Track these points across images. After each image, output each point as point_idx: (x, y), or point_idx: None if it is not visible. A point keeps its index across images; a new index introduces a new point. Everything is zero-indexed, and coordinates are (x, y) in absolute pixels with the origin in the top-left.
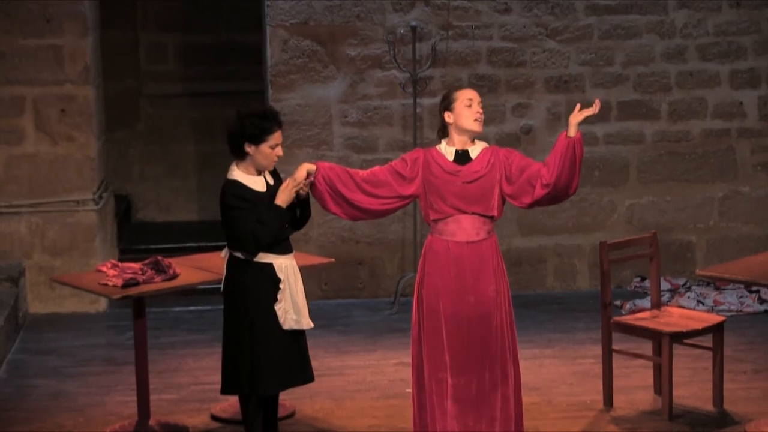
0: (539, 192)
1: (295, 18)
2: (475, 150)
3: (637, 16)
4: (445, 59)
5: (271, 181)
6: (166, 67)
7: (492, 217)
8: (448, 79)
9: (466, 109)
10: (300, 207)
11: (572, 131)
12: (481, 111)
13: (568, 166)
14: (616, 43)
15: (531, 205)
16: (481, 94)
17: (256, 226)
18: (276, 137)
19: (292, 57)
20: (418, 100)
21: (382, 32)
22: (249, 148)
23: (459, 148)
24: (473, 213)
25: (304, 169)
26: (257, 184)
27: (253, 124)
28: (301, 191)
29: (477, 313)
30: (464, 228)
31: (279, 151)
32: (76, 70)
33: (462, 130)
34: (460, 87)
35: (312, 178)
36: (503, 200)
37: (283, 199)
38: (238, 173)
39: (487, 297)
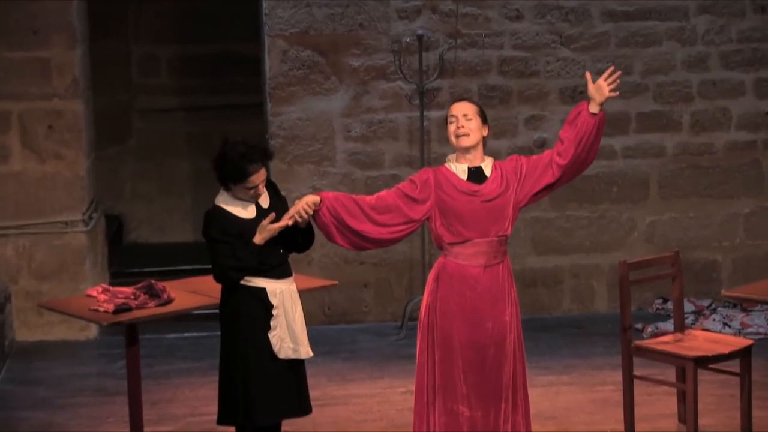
0: (550, 177)
1: (294, 27)
2: (488, 167)
3: (656, 22)
4: (453, 69)
5: (265, 203)
6: (160, 79)
7: (506, 237)
8: (457, 90)
9: (450, 126)
10: (302, 233)
11: (595, 107)
12: (463, 126)
13: (589, 146)
14: (635, 51)
15: (550, 186)
16: (491, 106)
17: (230, 262)
18: (254, 179)
19: (292, 68)
20: (425, 112)
21: (386, 41)
22: (230, 184)
23: (471, 165)
24: (493, 235)
25: (303, 203)
26: (245, 210)
27: (232, 164)
28: (299, 222)
29: (494, 340)
30: (483, 251)
31: (260, 190)
32: (65, 83)
33: (456, 147)
34: (456, 100)
35: (312, 210)
36: (515, 216)
37: (262, 237)
38: (223, 198)
39: (503, 322)
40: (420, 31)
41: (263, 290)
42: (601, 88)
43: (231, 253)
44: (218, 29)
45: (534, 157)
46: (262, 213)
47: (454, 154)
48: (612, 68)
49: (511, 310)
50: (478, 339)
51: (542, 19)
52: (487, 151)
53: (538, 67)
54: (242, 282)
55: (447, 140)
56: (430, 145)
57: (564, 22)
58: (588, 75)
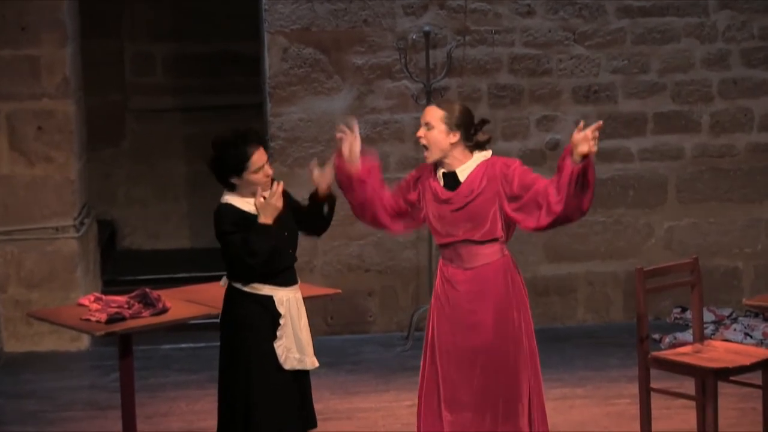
0: (544, 220)
1: (295, 24)
2: (466, 169)
3: (674, 18)
4: (461, 68)
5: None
6: (155, 79)
7: (495, 240)
8: (466, 89)
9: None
10: (319, 208)
11: (576, 157)
12: (422, 136)
13: (578, 194)
14: (652, 48)
15: (535, 230)
16: (502, 106)
17: (245, 245)
18: (256, 160)
19: (293, 66)
20: None
21: (391, 38)
22: (234, 180)
23: (446, 170)
24: (466, 240)
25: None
26: (252, 207)
27: (227, 155)
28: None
29: (478, 345)
30: (460, 254)
31: (267, 170)
32: (55, 82)
33: None
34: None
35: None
36: (503, 217)
37: (268, 214)
38: (230, 197)
39: (485, 328)
40: (427, 28)
41: (270, 298)
42: (583, 141)
43: (245, 241)
44: (216, 26)
45: (531, 176)
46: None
47: None
48: (601, 123)
49: (505, 315)
50: (455, 341)
51: (555, 15)
52: (497, 153)
53: (551, 66)
54: (248, 289)
55: None
56: None
57: (578, 18)
58: (581, 124)
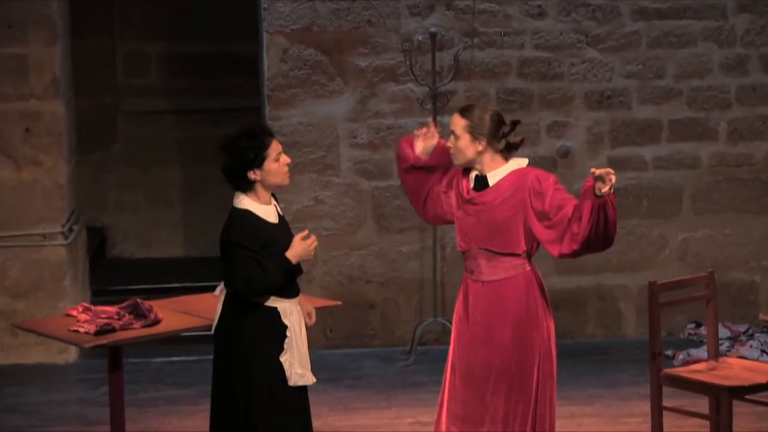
0: (567, 248)
1: (296, 23)
2: (497, 175)
3: (691, 21)
4: (469, 71)
5: (280, 211)
6: (148, 80)
7: (516, 254)
8: (473, 93)
9: None
10: None
11: (597, 191)
12: (451, 145)
13: (600, 230)
14: (668, 52)
15: (560, 257)
16: (511, 111)
17: (256, 271)
18: (274, 147)
19: (293, 68)
20: (438, 117)
21: (396, 40)
22: (254, 175)
23: (479, 172)
24: (487, 249)
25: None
26: (270, 214)
27: (245, 148)
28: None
29: (491, 363)
30: (479, 265)
31: (286, 158)
32: (43, 83)
33: None
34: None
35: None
36: (530, 234)
37: (297, 253)
38: (248, 202)
39: (501, 346)
40: (433, 29)
41: (275, 310)
42: (603, 180)
43: (256, 263)
44: (213, 25)
45: (564, 196)
46: (281, 219)
47: None
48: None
49: (522, 335)
50: (467, 358)
51: (567, 17)
52: None
53: (562, 69)
54: (252, 300)
55: None
56: None
57: (591, 21)
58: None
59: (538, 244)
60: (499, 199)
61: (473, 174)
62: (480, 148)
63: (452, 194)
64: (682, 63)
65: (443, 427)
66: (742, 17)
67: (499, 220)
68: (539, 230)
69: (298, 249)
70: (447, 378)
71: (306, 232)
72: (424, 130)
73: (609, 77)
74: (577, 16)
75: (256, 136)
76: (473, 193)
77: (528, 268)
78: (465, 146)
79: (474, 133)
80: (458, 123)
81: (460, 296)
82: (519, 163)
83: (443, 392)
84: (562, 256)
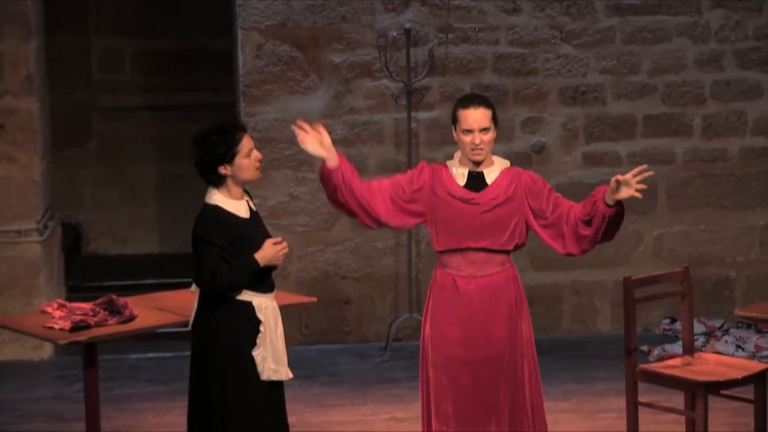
0: (574, 248)
1: (270, 19)
2: (492, 172)
3: (666, 17)
4: (444, 67)
5: (253, 207)
6: (123, 76)
7: (507, 251)
8: (448, 89)
9: (463, 137)
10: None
11: (610, 200)
12: (482, 140)
13: (609, 230)
14: (642, 48)
15: (565, 255)
16: None
17: (222, 268)
18: (245, 143)
19: (268, 64)
20: (412, 113)
21: (371, 35)
22: (225, 170)
23: (472, 169)
24: (480, 248)
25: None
26: (240, 209)
27: (215, 143)
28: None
29: (485, 357)
30: (472, 261)
31: (257, 153)
32: (18, 79)
33: (468, 157)
34: (467, 102)
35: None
36: (526, 230)
37: (266, 256)
38: (219, 197)
39: (498, 338)
40: (408, 25)
41: (249, 304)
42: (629, 185)
43: (222, 260)
44: (187, 22)
45: (556, 195)
46: (253, 214)
47: (458, 154)
48: (645, 166)
49: (514, 325)
50: (467, 354)
51: (541, 13)
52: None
53: (537, 65)
54: (226, 295)
55: (437, 143)
56: (418, 149)
57: (565, 16)
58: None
59: (524, 244)
60: (501, 199)
61: (461, 171)
62: (495, 135)
63: (424, 193)
64: (656, 58)
65: (433, 427)
66: (717, 12)
67: (499, 220)
68: (538, 228)
69: (267, 252)
70: (431, 377)
71: (279, 238)
72: (305, 127)
73: (584, 73)
74: (552, 12)
75: (227, 132)
76: (472, 193)
77: (512, 263)
78: (492, 137)
79: (496, 122)
80: (487, 116)
81: (444, 295)
82: (504, 162)
83: (426, 392)
84: (568, 254)
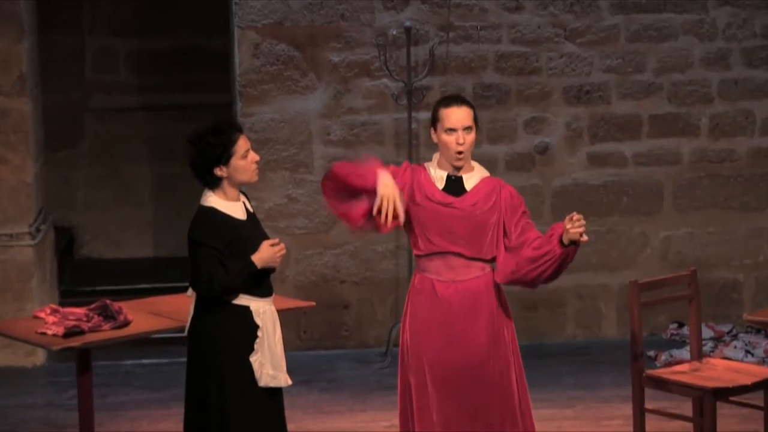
0: (505, 278)
1: (268, 18)
2: (472, 179)
3: (671, 14)
4: (445, 66)
5: (250, 208)
6: (117, 76)
7: (485, 260)
8: (449, 88)
9: (446, 137)
10: None
11: (566, 240)
12: (464, 141)
13: (554, 272)
14: (648, 46)
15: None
16: (487, 107)
17: (218, 271)
18: (242, 144)
19: (265, 64)
20: (413, 114)
21: (370, 34)
22: (221, 171)
23: (452, 173)
24: (459, 254)
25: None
26: (237, 211)
27: (211, 144)
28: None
29: (467, 363)
30: (451, 266)
31: (254, 155)
32: (10, 79)
33: (449, 160)
34: (448, 102)
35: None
36: (498, 242)
37: (263, 258)
38: (214, 199)
39: (478, 344)
40: (408, 23)
41: (247, 309)
42: (567, 231)
43: (219, 263)
44: (183, 20)
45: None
46: (250, 215)
47: (437, 155)
48: (575, 216)
49: (496, 331)
50: (446, 360)
51: (544, 11)
52: (482, 158)
53: (540, 64)
54: (223, 299)
55: (438, 145)
56: (418, 149)
57: (569, 14)
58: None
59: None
60: (479, 206)
61: (440, 173)
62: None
63: (403, 194)
64: (662, 57)
65: None
66: (724, 10)
67: (479, 228)
68: (504, 249)
69: (264, 254)
70: (412, 384)
71: (277, 239)
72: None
73: (588, 72)
74: (555, 10)
75: (222, 132)
76: (450, 197)
77: (491, 269)
78: (473, 141)
79: (477, 125)
80: (469, 115)
81: (422, 299)
82: (482, 170)
83: (409, 399)
84: (496, 280)
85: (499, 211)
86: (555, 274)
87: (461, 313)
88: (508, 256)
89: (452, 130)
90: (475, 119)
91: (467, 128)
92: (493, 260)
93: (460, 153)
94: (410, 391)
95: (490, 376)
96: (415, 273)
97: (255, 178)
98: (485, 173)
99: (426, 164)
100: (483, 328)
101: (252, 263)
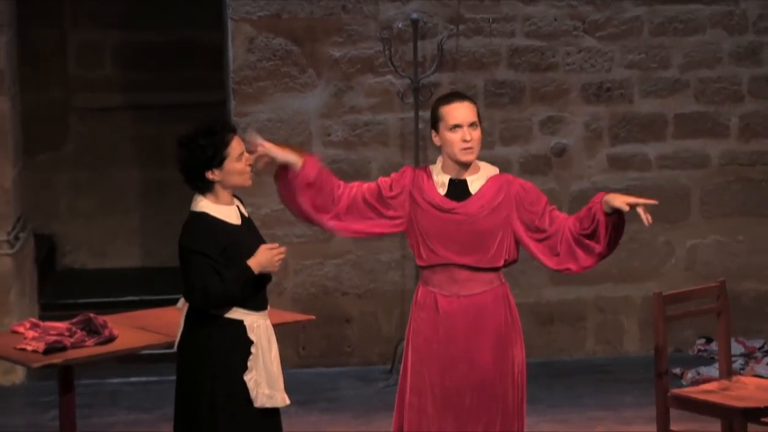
0: (587, 261)
1: (264, 10)
2: (477, 181)
3: (698, 6)
4: (454, 61)
5: (245, 213)
6: (102, 72)
7: (495, 269)
8: (459, 86)
9: (451, 134)
10: None
11: (608, 207)
12: (471, 138)
13: (614, 245)
14: (673, 40)
15: (577, 272)
16: (500, 106)
17: (213, 280)
18: (236, 146)
19: (261, 59)
20: (420, 113)
21: (374, 27)
22: (213, 175)
23: (455, 176)
24: (464, 265)
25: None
26: (231, 215)
27: (202, 146)
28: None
29: (470, 383)
30: (455, 279)
31: (248, 157)
32: None
33: (456, 160)
34: (449, 99)
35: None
36: (516, 244)
37: (260, 262)
38: (206, 203)
39: (483, 363)
40: (415, 16)
41: (240, 323)
42: (622, 199)
43: (213, 271)
44: (173, 13)
45: (551, 208)
46: (245, 220)
47: (440, 159)
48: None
49: (503, 350)
50: (450, 381)
51: (562, 2)
52: (494, 161)
53: (557, 59)
54: (215, 312)
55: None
56: (426, 151)
57: (588, 5)
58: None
59: (514, 260)
60: (484, 210)
61: (442, 178)
62: None
63: (404, 199)
64: (688, 52)
65: None
66: (755, 2)
67: (484, 233)
68: (530, 243)
69: (261, 258)
70: (407, 403)
71: (276, 244)
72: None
73: (608, 68)
74: (573, 1)
75: (215, 133)
76: (452, 203)
77: (503, 280)
78: (480, 138)
79: (481, 123)
80: (474, 111)
81: (424, 315)
82: (492, 169)
83: (404, 421)
84: (567, 271)
85: (509, 210)
86: (612, 244)
87: (465, 330)
88: (548, 245)
89: (458, 126)
90: (479, 116)
91: (473, 124)
92: (505, 267)
93: (467, 148)
94: (405, 411)
95: (495, 398)
96: (418, 286)
97: (249, 182)
98: (493, 171)
99: (430, 167)
100: (489, 346)
101: (249, 268)
